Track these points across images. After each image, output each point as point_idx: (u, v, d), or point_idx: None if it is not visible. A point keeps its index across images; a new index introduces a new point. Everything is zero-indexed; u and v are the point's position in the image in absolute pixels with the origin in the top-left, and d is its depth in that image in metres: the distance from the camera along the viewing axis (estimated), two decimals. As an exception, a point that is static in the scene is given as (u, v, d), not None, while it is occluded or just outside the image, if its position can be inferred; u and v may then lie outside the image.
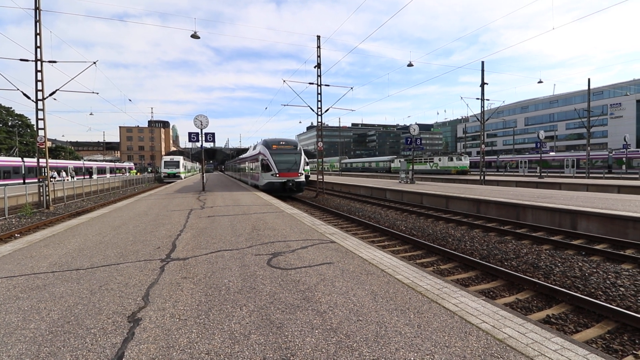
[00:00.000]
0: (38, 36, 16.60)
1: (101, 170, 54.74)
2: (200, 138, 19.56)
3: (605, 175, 34.90)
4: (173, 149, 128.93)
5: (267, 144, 21.98)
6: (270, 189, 20.62)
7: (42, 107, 16.97)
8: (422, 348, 2.79)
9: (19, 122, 64.42)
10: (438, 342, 2.88)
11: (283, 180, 20.49)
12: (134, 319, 3.37)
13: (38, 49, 16.65)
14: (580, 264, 7.29)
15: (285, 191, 20.74)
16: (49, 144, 25.80)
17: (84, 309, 3.62)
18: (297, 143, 23.07)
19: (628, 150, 37.16)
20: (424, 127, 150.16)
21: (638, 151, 39.86)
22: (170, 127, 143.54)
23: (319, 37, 22.22)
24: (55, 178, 35.99)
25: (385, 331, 3.08)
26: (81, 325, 3.24)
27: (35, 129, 18.59)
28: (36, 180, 19.02)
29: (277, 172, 20.60)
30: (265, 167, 21.31)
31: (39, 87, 16.89)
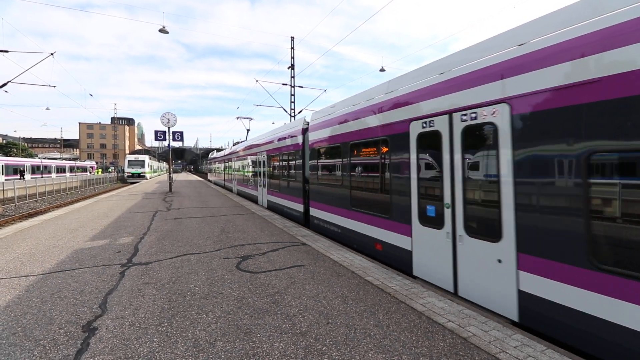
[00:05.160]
0: (-14, 23, 15.35)
1: (60, 169, 51.31)
2: (167, 137, 18.84)
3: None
4: (138, 147, 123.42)
5: None
6: None
7: (-11, 100, 15.68)
8: (391, 349, 2.82)
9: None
10: (406, 343, 2.92)
11: None
12: (89, 328, 3.14)
13: (-14, 37, 15.38)
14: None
15: None
16: (-3, 139, 23.84)
17: (32, 319, 3.34)
18: None
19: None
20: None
21: None
22: (136, 124, 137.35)
23: (292, 37, 22.19)
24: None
25: (355, 333, 3.08)
26: (29, 337, 2.97)
27: (-19, 123, 17.12)
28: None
29: None
30: None
31: (-13, 78, 15.62)
